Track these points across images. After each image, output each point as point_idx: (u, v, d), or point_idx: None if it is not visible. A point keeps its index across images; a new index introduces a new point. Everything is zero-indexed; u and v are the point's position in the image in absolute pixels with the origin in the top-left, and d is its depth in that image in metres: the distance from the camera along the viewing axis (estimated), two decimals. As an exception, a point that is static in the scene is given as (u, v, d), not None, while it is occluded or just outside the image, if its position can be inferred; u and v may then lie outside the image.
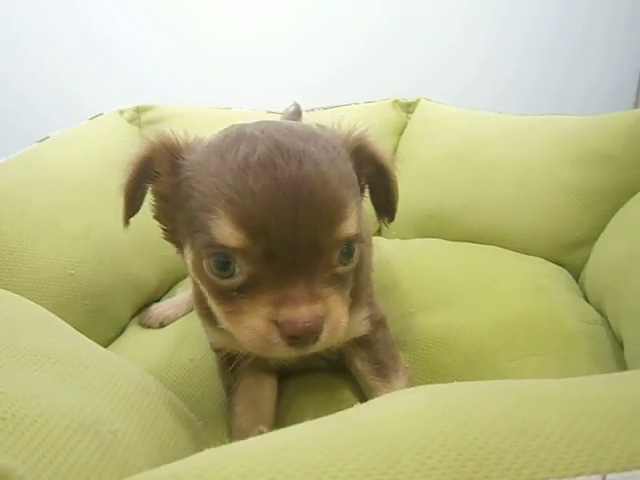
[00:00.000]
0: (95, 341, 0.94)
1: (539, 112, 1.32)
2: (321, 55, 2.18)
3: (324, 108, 1.53)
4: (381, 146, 0.69)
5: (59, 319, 0.69)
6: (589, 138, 1.12)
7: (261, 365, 0.79)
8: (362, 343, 0.79)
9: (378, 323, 0.81)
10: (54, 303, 0.88)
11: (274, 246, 0.53)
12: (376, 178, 0.70)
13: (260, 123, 0.63)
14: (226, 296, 0.58)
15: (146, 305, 1.14)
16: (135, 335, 1.05)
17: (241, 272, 0.56)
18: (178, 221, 0.63)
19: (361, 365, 0.79)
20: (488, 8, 2.19)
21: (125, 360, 0.65)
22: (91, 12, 2.15)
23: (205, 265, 0.58)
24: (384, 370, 0.78)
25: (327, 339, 0.57)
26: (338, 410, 0.78)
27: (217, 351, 0.82)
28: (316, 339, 0.56)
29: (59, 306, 0.88)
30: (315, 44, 2.17)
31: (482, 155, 1.27)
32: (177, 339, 0.98)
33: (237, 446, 0.36)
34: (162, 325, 1.07)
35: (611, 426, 0.35)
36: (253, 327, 0.56)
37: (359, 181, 0.67)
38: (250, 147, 0.56)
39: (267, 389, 0.81)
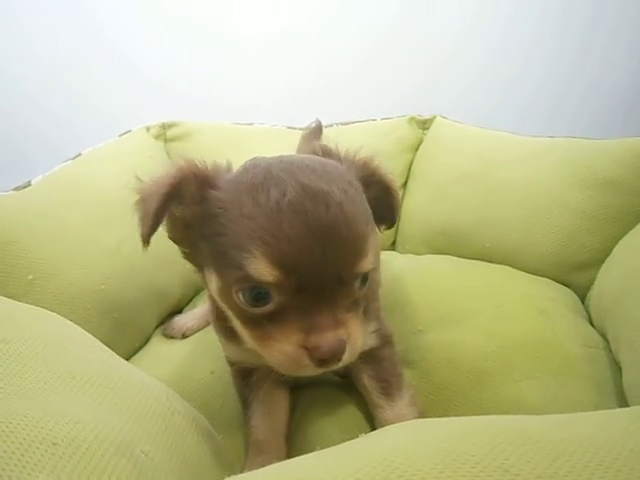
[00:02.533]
0: (122, 351, 1.02)
1: (560, 131, 1.36)
2: (338, 69, 2.23)
3: (342, 124, 1.58)
4: (385, 169, 0.76)
5: (92, 337, 0.74)
6: (596, 163, 1.14)
7: (275, 378, 0.83)
8: (370, 359, 0.83)
9: (385, 338, 0.86)
10: (85, 317, 0.93)
11: (304, 280, 0.59)
12: (381, 197, 0.76)
13: (282, 161, 0.67)
14: (255, 322, 0.64)
15: (169, 316, 1.20)
16: (159, 345, 1.11)
17: (272, 302, 0.61)
18: (201, 248, 0.68)
19: (368, 382, 0.83)
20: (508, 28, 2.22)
21: (153, 379, 0.70)
22: (119, 32, 2.23)
23: (235, 295, 0.63)
24: (389, 389, 0.82)
25: (348, 358, 0.64)
26: (348, 424, 0.84)
27: (232, 364, 0.88)
28: (340, 359, 0.62)
29: (89, 320, 0.94)
30: (335, 59, 2.22)
31: (494, 175, 1.30)
32: (198, 351, 1.04)
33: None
34: (185, 336, 1.12)
35: (585, 468, 0.39)
36: (284, 351, 0.62)
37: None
38: (280, 191, 0.60)
39: (281, 402, 0.87)
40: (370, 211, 0.69)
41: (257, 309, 0.62)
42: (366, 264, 0.63)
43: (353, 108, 1.71)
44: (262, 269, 0.58)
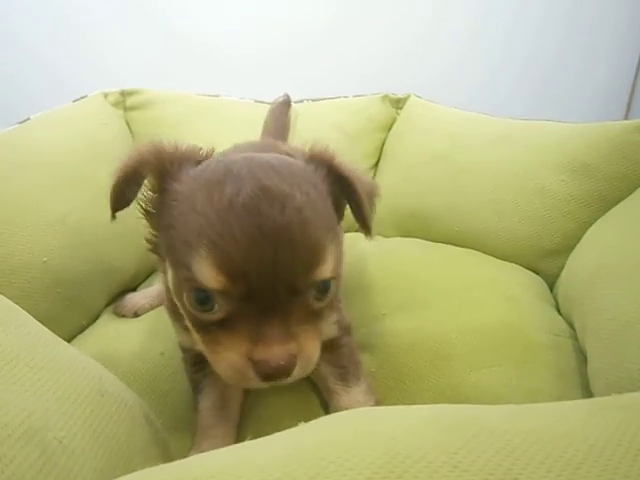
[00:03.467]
0: (66, 329, 0.96)
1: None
2: (312, 46, 2.17)
3: (313, 100, 1.52)
4: (347, 165, 0.69)
5: (22, 311, 0.67)
6: (571, 147, 1.11)
7: None
8: (328, 346, 0.79)
9: (345, 329, 0.83)
10: (24, 291, 0.88)
11: (253, 288, 0.55)
12: (348, 196, 0.70)
13: (248, 159, 0.62)
14: (204, 327, 0.60)
15: (122, 293, 1.14)
16: (108, 324, 1.05)
17: (220, 309, 0.57)
18: (160, 238, 0.65)
19: (324, 368, 0.80)
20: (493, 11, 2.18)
21: (87, 358, 0.64)
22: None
23: (185, 296, 0.59)
24: (346, 375, 0.79)
25: (299, 373, 0.60)
26: (304, 410, 0.80)
27: (185, 350, 0.83)
28: (289, 374, 0.58)
29: (29, 294, 0.88)
30: (308, 34, 2.16)
31: (466, 158, 1.26)
32: (149, 331, 0.98)
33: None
34: (137, 315, 1.06)
35: (541, 463, 0.35)
36: (229, 361, 0.58)
37: (339, 199, 0.68)
38: (235, 188, 0.55)
39: (233, 388, 0.82)
40: (334, 216, 0.65)
41: (205, 314, 0.58)
42: (322, 272, 0.58)
43: (326, 84, 1.64)
44: (207, 273, 0.54)
